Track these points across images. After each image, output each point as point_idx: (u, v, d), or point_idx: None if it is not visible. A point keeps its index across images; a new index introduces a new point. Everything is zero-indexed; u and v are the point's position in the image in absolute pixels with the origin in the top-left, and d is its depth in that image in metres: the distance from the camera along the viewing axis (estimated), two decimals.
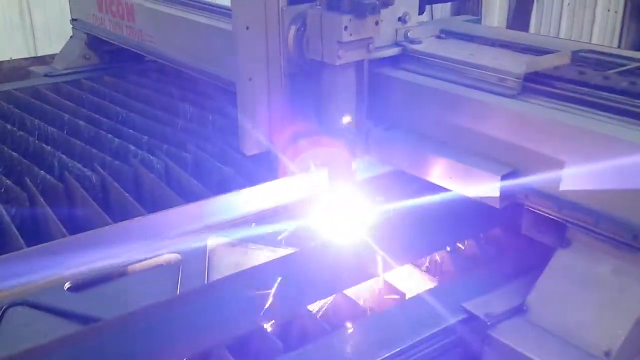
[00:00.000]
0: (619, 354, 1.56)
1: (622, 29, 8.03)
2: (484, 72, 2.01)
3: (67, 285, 1.72)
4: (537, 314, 1.70)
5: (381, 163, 2.24)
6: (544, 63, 2.03)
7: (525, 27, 7.86)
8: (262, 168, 2.54)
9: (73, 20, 4.16)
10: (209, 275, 1.79)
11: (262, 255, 1.90)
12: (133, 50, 3.59)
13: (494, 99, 1.93)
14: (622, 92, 1.82)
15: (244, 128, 2.09)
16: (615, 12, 7.97)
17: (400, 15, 2.19)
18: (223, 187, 2.40)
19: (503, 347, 1.63)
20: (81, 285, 1.73)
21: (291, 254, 1.78)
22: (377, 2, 1.83)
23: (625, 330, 1.56)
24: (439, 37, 2.33)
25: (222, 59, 2.74)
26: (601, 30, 8.11)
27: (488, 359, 1.67)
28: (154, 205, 2.34)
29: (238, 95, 2.09)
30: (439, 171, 2.01)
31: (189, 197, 2.27)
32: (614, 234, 1.66)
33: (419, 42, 2.23)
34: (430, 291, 1.88)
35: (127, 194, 2.31)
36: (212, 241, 1.95)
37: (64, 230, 2.07)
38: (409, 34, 2.23)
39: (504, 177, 1.83)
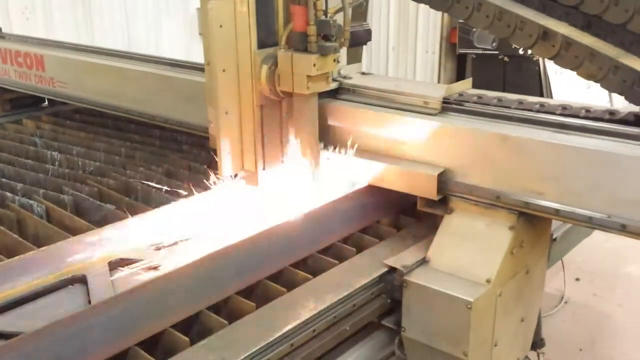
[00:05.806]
0: (496, 280, 2.09)
1: (439, 67, 8.95)
2: (411, 97, 2.45)
3: None
4: (436, 262, 2.23)
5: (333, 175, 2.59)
6: (456, 88, 2.48)
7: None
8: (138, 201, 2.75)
9: None
10: (115, 290, 1.92)
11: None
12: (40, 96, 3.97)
13: (421, 117, 2.37)
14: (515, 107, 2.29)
15: (223, 153, 2.39)
16: (433, 53, 8.78)
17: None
18: (107, 222, 2.46)
19: (417, 286, 2.13)
20: None
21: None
22: (337, 45, 2.26)
23: (498, 263, 2.08)
24: (363, 73, 2.80)
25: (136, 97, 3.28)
26: (423, 69, 8.89)
27: (407, 297, 2.16)
28: (39, 243, 2.35)
29: (217, 126, 2.35)
30: (384, 176, 2.43)
31: (76, 233, 2.34)
32: (483, 199, 2.21)
33: (351, 78, 2.69)
34: (361, 255, 2.34)
35: (14, 234, 2.35)
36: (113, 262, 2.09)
37: None
38: (341, 71, 2.69)
39: (440, 175, 2.27)
